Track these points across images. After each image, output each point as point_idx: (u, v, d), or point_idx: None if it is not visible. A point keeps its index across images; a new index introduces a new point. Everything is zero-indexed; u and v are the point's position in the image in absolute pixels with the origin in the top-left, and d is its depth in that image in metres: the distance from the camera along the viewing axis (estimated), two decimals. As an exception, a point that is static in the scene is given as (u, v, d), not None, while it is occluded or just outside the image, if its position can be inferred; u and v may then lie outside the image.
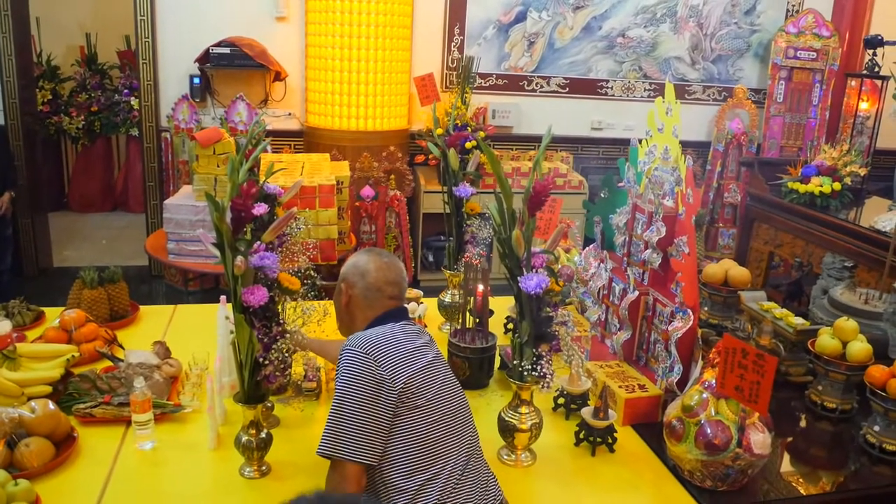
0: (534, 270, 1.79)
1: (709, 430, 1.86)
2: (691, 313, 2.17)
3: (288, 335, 1.76)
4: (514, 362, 1.90)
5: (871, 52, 5.28)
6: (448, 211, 2.75)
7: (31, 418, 1.85)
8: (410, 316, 2.06)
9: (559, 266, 1.99)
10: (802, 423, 2.40)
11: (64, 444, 1.89)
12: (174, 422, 2.08)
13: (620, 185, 2.63)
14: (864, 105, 5.56)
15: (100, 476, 1.82)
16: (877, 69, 5.34)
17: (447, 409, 1.73)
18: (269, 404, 2.10)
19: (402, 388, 1.64)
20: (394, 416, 1.63)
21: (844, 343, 2.37)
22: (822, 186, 4.13)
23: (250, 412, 1.79)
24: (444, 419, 1.71)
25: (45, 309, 2.72)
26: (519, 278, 1.78)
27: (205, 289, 5.02)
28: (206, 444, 1.98)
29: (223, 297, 2.17)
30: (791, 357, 2.55)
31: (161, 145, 5.25)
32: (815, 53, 5.98)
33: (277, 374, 1.72)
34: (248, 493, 1.81)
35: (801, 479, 2.08)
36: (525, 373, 1.87)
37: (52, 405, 1.92)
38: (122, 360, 2.28)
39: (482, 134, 4.94)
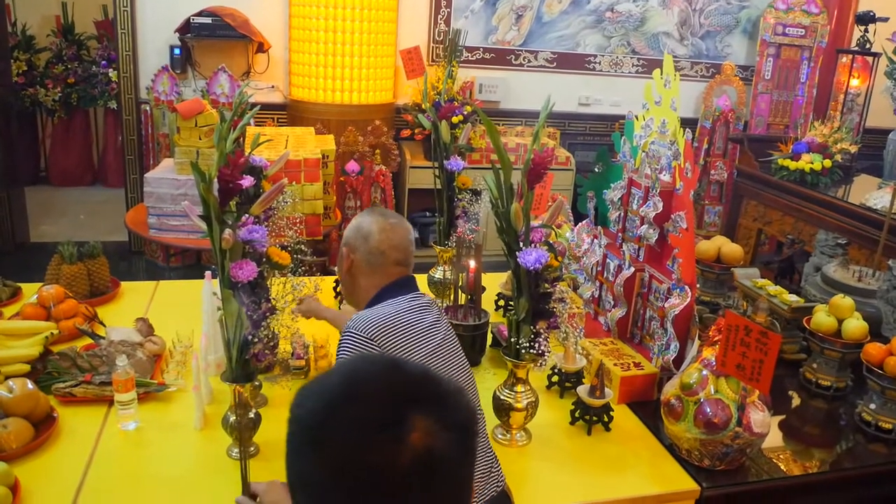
0: (532, 245, 1.74)
1: (708, 409, 1.83)
2: (689, 290, 2.13)
3: (302, 300, 1.71)
4: (511, 340, 1.85)
5: (862, 28, 5.25)
6: (439, 186, 2.68)
7: (9, 398, 1.79)
8: None
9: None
10: (796, 402, 2.38)
11: (43, 425, 1.82)
12: (158, 401, 2.02)
13: (615, 159, 2.58)
14: (854, 82, 5.53)
15: (81, 458, 1.76)
16: (868, 45, 5.30)
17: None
18: (257, 383, 2.04)
19: None
20: None
21: (840, 321, 2.35)
22: (812, 163, 4.11)
23: (238, 391, 1.73)
24: None
25: (22, 285, 2.63)
26: (517, 253, 1.73)
27: (186, 265, 4.93)
28: (191, 424, 1.92)
29: (208, 273, 2.10)
30: (785, 334, 2.52)
31: (140, 118, 5.12)
32: (803, 30, 5.93)
33: (267, 352, 1.66)
34: (235, 474, 1.74)
35: (796, 458, 2.06)
36: (522, 350, 1.82)
37: (30, 384, 1.85)
38: (104, 338, 2.20)
39: (469, 108, 4.88)
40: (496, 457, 1.72)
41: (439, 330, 1.69)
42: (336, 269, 1.87)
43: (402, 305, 1.68)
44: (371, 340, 1.56)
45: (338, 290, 2.65)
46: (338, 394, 0.85)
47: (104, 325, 2.35)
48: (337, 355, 1.61)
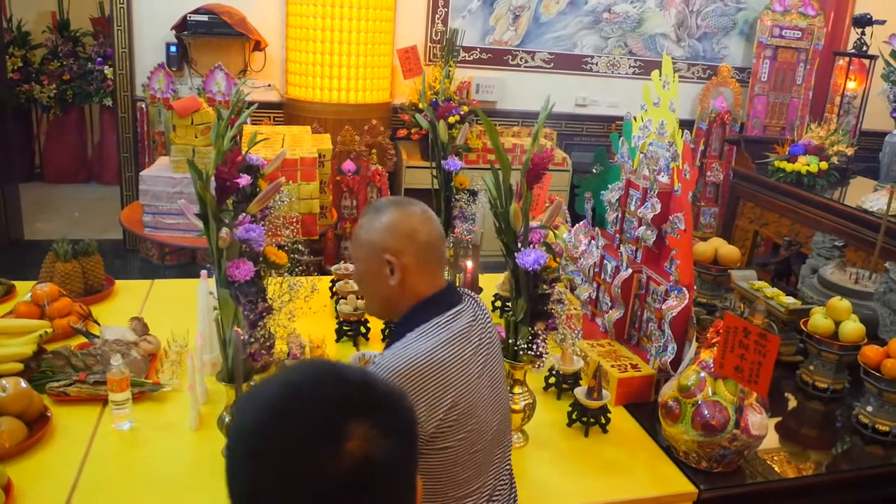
0: (531, 246, 1.73)
1: (706, 411, 1.82)
2: (686, 292, 2.13)
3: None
4: (509, 341, 1.84)
5: (859, 30, 5.25)
6: (436, 186, 2.67)
7: (2, 397, 1.77)
8: None
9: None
10: (793, 404, 2.37)
11: (37, 425, 1.80)
12: (153, 401, 2.00)
13: (613, 160, 2.57)
14: (851, 84, 5.54)
15: (75, 458, 1.75)
16: (865, 48, 5.31)
17: (487, 433, 1.47)
18: (252, 383, 2.02)
19: (433, 431, 1.36)
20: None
21: (837, 323, 2.35)
22: (809, 165, 4.11)
23: (233, 392, 1.72)
24: (482, 445, 1.45)
25: (16, 282, 2.61)
26: (516, 254, 1.72)
27: (182, 263, 4.91)
28: (186, 425, 1.90)
29: (204, 272, 2.09)
30: (782, 336, 2.51)
31: (136, 115, 5.09)
32: (800, 32, 5.94)
33: (263, 351, 1.65)
34: (231, 475, 1.74)
35: (793, 460, 2.06)
36: (520, 352, 1.81)
37: (23, 383, 1.83)
38: (98, 337, 2.19)
39: (466, 108, 4.87)
40: (514, 483, 1.65)
41: (477, 361, 1.46)
42: (361, 286, 1.58)
43: (443, 335, 1.42)
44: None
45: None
46: (275, 403, 0.84)
47: (98, 324, 2.34)
48: None
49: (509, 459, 1.61)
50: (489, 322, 1.58)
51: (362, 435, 0.81)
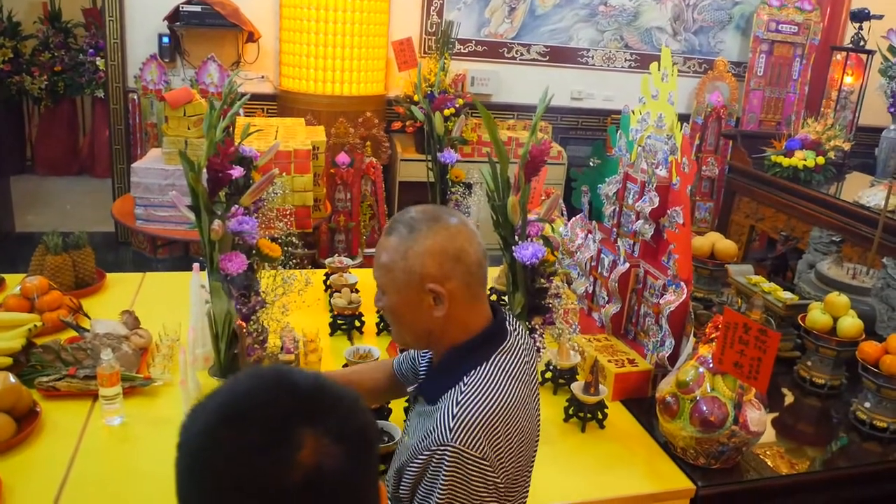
0: (529, 239, 1.71)
1: (704, 407, 1.80)
2: (685, 286, 2.11)
3: None
4: (505, 336, 1.81)
5: (857, 25, 5.23)
6: (431, 179, 2.64)
7: (-10, 392, 1.74)
8: None
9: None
10: (791, 399, 2.36)
11: (26, 420, 1.77)
12: (144, 396, 1.97)
13: (610, 153, 2.55)
14: (848, 79, 5.52)
15: (65, 453, 1.72)
16: (862, 43, 5.29)
17: (529, 470, 1.36)
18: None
19: (508, 486, 1.23)
20: None
21: (835, 318, 2.33)
22: (805, 160, 4.10)
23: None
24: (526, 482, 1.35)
25: (6, 275, 2.57)
26: (513, 248, 1.69)
27: (174, 256, 4.87)
28: (178, 420, 1.84)
29: (196, 265, 2.06)
30: (780, 332, 2.50)
31: (128, 107, 5.04)
32: (796, 27, 5.92)
33: (256, 346, 1.63)
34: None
35: (790, 456, 2.04)
36: (516, 347, 1.79)
37: (12, 378, 1.80)
38: (88, 330, 2.15)
39: (461, 101, 4.84)
40: None
41: (534, 400, 1.34)
42: (393, 318, 1.34)
43: (503, 382, 1.25)
44: (486, 461, 1.17)
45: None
46: (221, 415, 0.80)
47: (89, 318, 2.30)
48: (440, 485, 1.17)
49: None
50: (530, 348, 1.43)
51: (313, 443, 0.77)
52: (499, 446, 1.18)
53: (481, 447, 1.16)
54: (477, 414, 1.18)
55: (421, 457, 1.19)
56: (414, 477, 1.20)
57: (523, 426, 1.25)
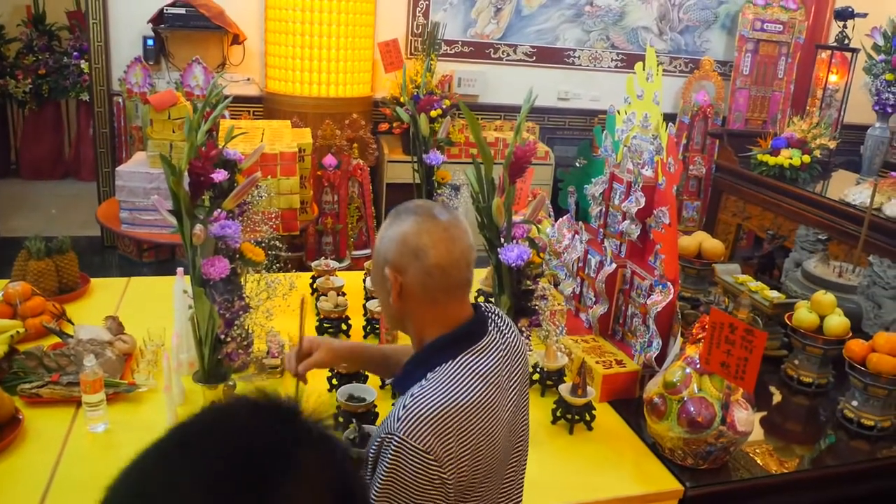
0: (514, 241, 1.70)
1: (692, 408, 1.80)
2: (671, 286, 2.11)
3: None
4: (492, 338, 1.80)
5: (841, 23, 5.26)
6: (417, 180, 2.64)
7: (-29, 400, 1.72)
8: None
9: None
10: (778, 398, 2.36)
11: (8, 427, 1.75)
12: (128, 402, 1.95)
13: (596, 154, 2.54)
14: (833, 78, 5.55)
15: (48, 461, 1.70)
16: (847, 41, 5.32)
17: (506, 476, 1.35)
18: (230, 383, 1.98)
19: (463, 486, 1.22)
20: None
21: (822, 317, 2.34)
22: (791, 159, 4.11)
23: (211, 392, 1.68)
24: (501, 488, 1.34)
25: (-12, 281, 2.55)
26: (499, 250, 1.69)
27: (160, 260, 4.85)
28: (163, 426, 1.82)
29: (180, 269, 2.04)
30: (766, 331, 2.50)
31: (113, 110, 5.01)
32: (781, 26, 5.95)
33: (240, 351, 1.61)
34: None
35: (778, 455, 2.04)
36: (503, 349, 1.78)
37: (-7, 385, 1.78)
38: (72, 336, 2.13)
39: (447, 102, 4.83)
40: None
41: (506, 409, 1.30)
42: (374, 293, 1.43)
43: (467, 386, 1.23)
44: (428, 454, 1.16)
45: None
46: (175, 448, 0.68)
47: (72, 323, 2.28)
48: (376, 465, 1.20)
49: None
50: (519, 351, 1.40)
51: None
52: (448, 444, 1.17)
53: (425, 441, 1.15)
54: (427, 408, 1.18)
55: (374, 443, 1.22)
56: (371, 462, 1.22)
57: (487, 428, 1.23)
